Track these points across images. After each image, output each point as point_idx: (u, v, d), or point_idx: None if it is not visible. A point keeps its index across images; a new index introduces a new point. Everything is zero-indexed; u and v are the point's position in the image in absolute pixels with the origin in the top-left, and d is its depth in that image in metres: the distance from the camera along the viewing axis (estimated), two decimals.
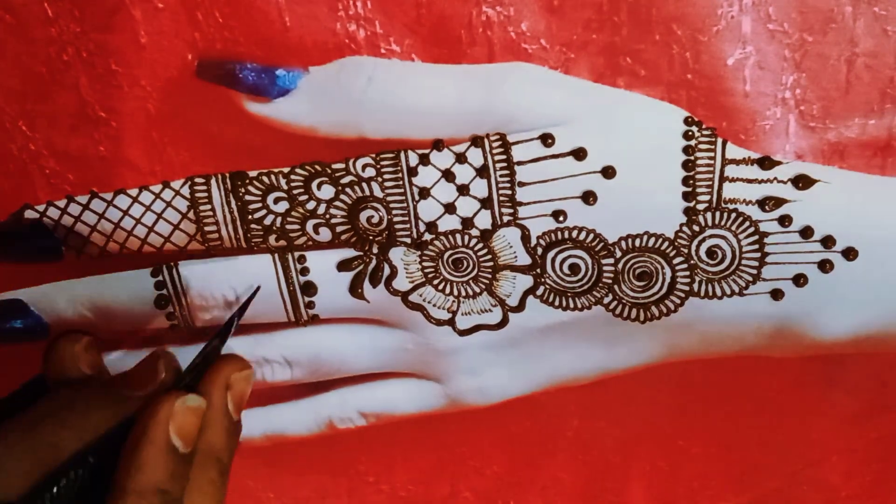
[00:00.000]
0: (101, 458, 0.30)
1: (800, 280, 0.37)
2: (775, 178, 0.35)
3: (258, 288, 0.37)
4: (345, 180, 0.36)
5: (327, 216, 0.36)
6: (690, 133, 0.35)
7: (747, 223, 0.36)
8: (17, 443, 0.30)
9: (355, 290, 0.38)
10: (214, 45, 0.34)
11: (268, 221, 0.36)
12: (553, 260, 0.37)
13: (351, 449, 0.47)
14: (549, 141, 0.35)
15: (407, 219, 0.36)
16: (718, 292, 0.37)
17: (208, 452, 0.31)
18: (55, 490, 0.29)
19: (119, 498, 0.28)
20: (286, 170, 0.36)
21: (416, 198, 0.36)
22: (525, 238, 0.37)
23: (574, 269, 0.37)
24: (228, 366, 0.34)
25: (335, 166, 0.35)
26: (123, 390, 0.32)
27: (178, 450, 0.29)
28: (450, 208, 0.36)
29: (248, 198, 0.36)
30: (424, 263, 0.37)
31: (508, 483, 0.49)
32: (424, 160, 0.35)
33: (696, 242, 0.36)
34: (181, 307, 0.37)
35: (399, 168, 0.35)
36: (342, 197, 0.36)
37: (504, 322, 0.39)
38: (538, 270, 0.37)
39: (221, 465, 0.32)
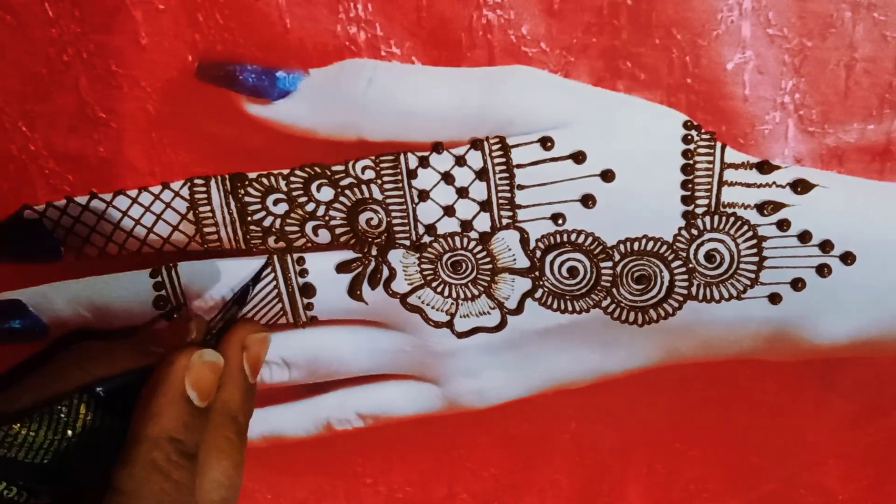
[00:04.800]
0: (114, 397, 0.30)
1: (798, 284, 0.37)
2: (774, 183, 0.36)
3: (268, 261, 0.37)
4: (344, 182, 0.36)
5: (326, 218, 0.36)
6: (689, 137, 0.35)
7: (746, 227, 0.36)
8: (43, 386, 0.30)
9: (354, 291, 0.38)
10: (215, 47, 0.34)
11: (267, 223, 0.36)
12: (552, 263, 0.37)
13: (349, 450, 0.47)
14: (549, 144, 0.35)
15: (406, 221, 0.36)
16: (717, 296, 0.37)
17: (224, 410, 0.31)
18: (56, 410, 0.29)
19: (133, 443, 0.28)
20: (286, 171, 0.36)
21: (416, 200, 0.36)
22: (524, 241, 0.37)
23: (573, 272, 0.37)
24: (244, 328, 0.34)
25: (335, 168, 0.35)
26: (152, 347, 0.32)
27: (193, 402, 0.30)
28: (449, 211, 0.36)
29: (247, 199, 0.36)
30: (423, 265, 0.37)
31: (505, 485, 0.49)
32: (424, 163, 0.35)
33: (694, 246, 0.37)
34: (180, 308, 0.37)
35: (398, 170, 0.35)
36: (341, 199, 0.36)
37: (502, 324, 0.39)
38: (537, 273, 0.37)
39: (238, 425, 0.32)
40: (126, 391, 0.30)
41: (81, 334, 0.37)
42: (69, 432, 0.30)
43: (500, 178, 0.35)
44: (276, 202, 0.36)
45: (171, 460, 0.28)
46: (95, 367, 0.31)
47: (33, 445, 0.29)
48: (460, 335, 0.39)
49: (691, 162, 0.35)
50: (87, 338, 0.36)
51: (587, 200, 0.36)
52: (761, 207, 0.36)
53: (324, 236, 0.37)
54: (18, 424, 0.29)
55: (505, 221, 0.36)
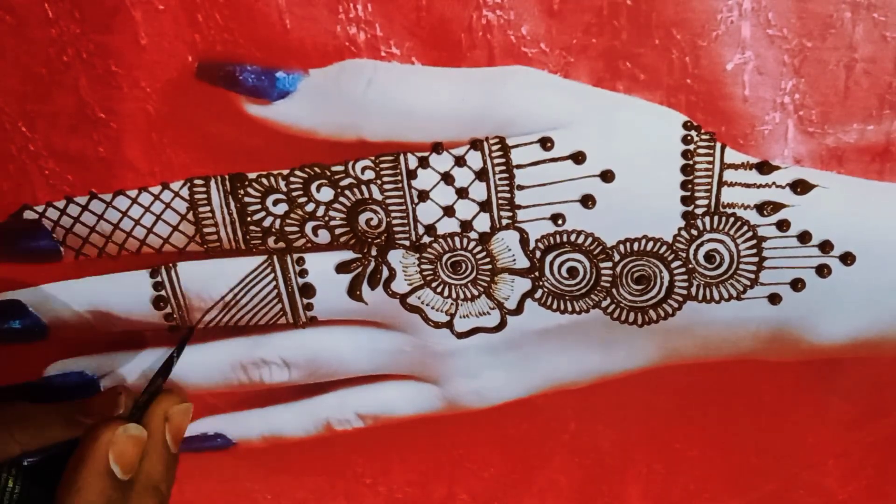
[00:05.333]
0: (40, 470, 0.30)
1: (798, 284, 0.37)
2: (774, 183, 0.36)
3: (191, 329, 0.38)
4: (344, 183, 0.36)
5: (326, 218, 0.36)
6: (689, 137, 0.35)
7: (745, 227, 0.36)
8: None
9: (354, 292, 0.38)
10: (214, 47, 0.34)
11: (267, 223, 0.36)
12: (551, 263, 0.37)
13: (348, 450, 0.47)
14: (549, 144, 0.35)
15: (406, 221, 0.36)
16: (716, 296, 0.37)
17: (147, 481, 0.32)
18: None
19: None
20: (285, 172, 0.36)
21: (415, 200, 0.36)
22: (524, 241, 0.37)
23: (572, 272, 0.37)
24: (167, 400, 0.35)
25: (334, 169, 0.35)
26: (80, 416, 0.33)
27: (117, 476, 0.30)
28: (449, 211, 0.36)
29: (247, 199, 0.36)
30: (423, 266, 0.37)
31: (505, 485, 0.49)
32: (424, 163, 0.35)
33: (694, 246, 0.37)
34: (179, 308, 0.37)
35: (398, 171, 0.35)
36: (341, 199, 0.36)
37: (502, 325, 0.39)
38: (536, 274, 0.37)
39: (160, 495, 0.33)
40: (53, 464, 0.31)
41: (10, 392, 0.37)
42: None
43: (500, 179, 0.35)
44: (275, 202, 0.36)
45: None
46: (22, 433, 0.32)
47: None
48: (460, 335, 0.39)
49: (691, 162, 0.35)
50: (15, 398, 0.36)
51: (587, 201, 0.36)
52: (761, 208, 0.36)
53: (323, 236, 0.37)
54: None
55: (505, 222, 0.36)
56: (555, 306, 0.38)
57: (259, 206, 0.36)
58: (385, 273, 0.37)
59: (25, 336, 0.37)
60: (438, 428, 0.45)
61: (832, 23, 0.34)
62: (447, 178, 0.35)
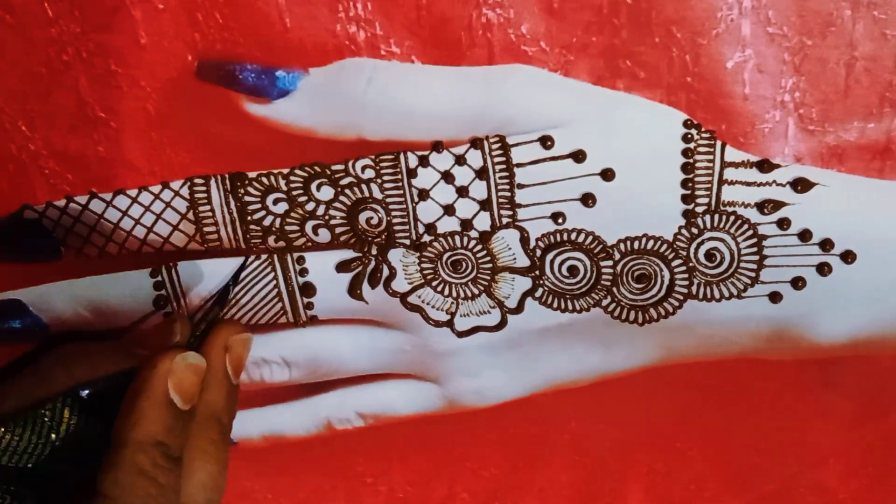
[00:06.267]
0: (97, 401, 0.30)
1: (798, 283, 0.37)
2: (774, 181, 0.36)
3: (246, 259, 0.37)
4: (344, 181, 0.36)
5: (326, 217, 0.36)
6: (689, 136, 0.35)
7: (746, 226, 0.36)
8: (27, 389, 0.31)
9: (354, 291, 0.38)
10: (214, 46, 0.34)
11: (267, 222, 0.36)
12: (552, 262, 0.37)
13: (349, 450, 0.47)
14: (549, 143, 0.35)
15: (406, 220, 0.36)
16: (717, 295, 0.37)
17: (208, 412, 0.32)
18: (40, 414, 0.29)
19: (117, 448, 0.28)
20: (285, 171, 0.36)
21: (416, 199, 0.36)
22: (524, 240, 0.37)
23: (573, 271, 0.37)
24: (227, 329, 0.34)
25: (334, 167, 0.35)
26: (136, 348, 0.32)
27: (177, 405, 0.30)
28: (449, 210, 0.36)
29: (247, 199, 0.36)
30: (423, 265, 0.37)
31: (505, 485, 0.49)
32: (424, 162, 0.35)
33: (694, 245, 0.37)
34: (180, 307, 0.37)
35: (398, 169, 0.35)
36: (341, 198, 0.36)
37: (502, 324, 0.39)
38: (537, 272, 0.37)
39: (222, 426, 0.32)
40: (110, 395, 0.30)
41: (67, 336, 0.37)
42: (53, 436, 0.30)
43: (500, 177, 0.35)
44: (276, 201, 0.36)
45: (156, 464, 0.28)
46: (79, 369, 0.31)
47: (17, 450, 0.29)
48: (460, 334, 0.39)
49: (691, 161, 0.35)
50: (73, 339, 0.36)
51: (587, 199, 0.36)
52: (761, 206, 0.36)
53: (324, 235, 0.37)
54: (2, 429, 0.29)
55: (505, 220, 0.36)
56: (555, 305, 0.38)
57: (259, 205, 0.36)
58: (385, 272, 0.37)
59: (25, 336, 0.37)
60: (439, 427, 0.45)
61: (832, 21, 0.34)
62: (447, 176, 0.35)
